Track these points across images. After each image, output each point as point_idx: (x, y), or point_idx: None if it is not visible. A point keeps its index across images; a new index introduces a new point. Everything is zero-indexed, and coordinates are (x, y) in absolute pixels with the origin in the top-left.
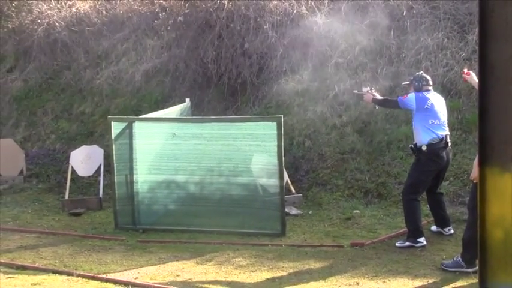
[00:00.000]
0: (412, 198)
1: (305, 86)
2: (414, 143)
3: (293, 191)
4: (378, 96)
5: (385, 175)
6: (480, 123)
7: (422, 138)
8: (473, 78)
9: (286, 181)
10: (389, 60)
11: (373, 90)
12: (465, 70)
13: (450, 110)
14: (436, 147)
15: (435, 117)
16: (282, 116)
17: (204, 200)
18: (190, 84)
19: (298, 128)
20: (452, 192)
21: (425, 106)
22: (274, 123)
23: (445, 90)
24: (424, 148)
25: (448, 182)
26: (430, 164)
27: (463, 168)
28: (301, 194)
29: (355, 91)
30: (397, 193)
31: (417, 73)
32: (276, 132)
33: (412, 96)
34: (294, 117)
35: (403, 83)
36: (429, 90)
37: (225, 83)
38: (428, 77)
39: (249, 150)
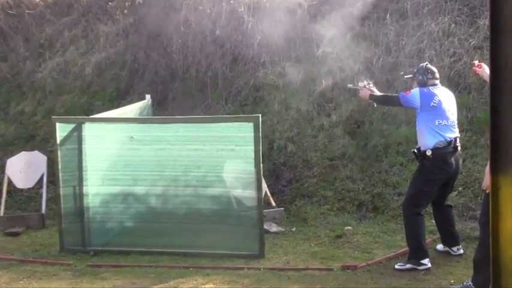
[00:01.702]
0: (414, 212)
1: (287, 80)
2: (417, 146)
3: (273, 204)
4: (377, 92)
5: (382, 185)
6: (492, 124)
7: (427, 141)
8: (486, 70)
9: (265, 192)
10: (387, 50)
11: (371, 85)
12: (476, 62)
13: (458, 107)
14: (444, 151)
15: (443, 116)
16: (260, 115)
17: (167, 215)
18: (151, 78)
19: (279, 129)
20: (461, 205)
21: (432, 104)
22: (251, 124)
23: (452, 84)
24: (428, 153)
25: (456, 192)
26: (435, 172)
27: (473, 176)
28: (282, 208)
29: (350, 85)
30: (396, 206)
31: (421, 64)
32: (252, 134)
33: (415, 92)
34: (274, 116)
35: (405, 76)
36: (436, 85)
37: (192, 77)
38: (435, 69)
39: (221, 156)
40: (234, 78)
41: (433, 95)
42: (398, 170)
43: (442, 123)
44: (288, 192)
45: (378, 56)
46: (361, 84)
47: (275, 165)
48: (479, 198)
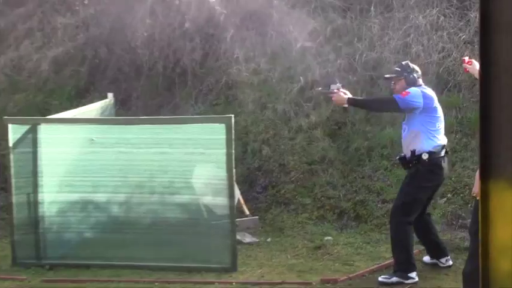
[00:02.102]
0: (404, 221)
1: (263, 77)
2: (403, 154)
3: (247, 212)
4: (349, 95)
5: (365, 191)
6: (481, 125)
7: (424, 145)
8: (476, 67)
9: (238, 200)
10: (370, 44)
11: (341, 89)
12: (466, 58)
13: (447, 107)
14: (439, 156)
15: (441, 120)
16: (233, 115)
17: (131, 225)
18: (114, 75)
19: (253, 131)
20: (450, 213)
21: (434, 105)
22: (223, 126)
23: (441, 82)
24: (425, 157)
25: (445, 199)
26: (430, 178)
27: (463, 181)
28: (257, 217)
29: (320, 89)
30: (380, 214)
31: (403, 62)
32: (224, 136)
33: (416, 92)
34: (249, 117)
35: (386, 75)
36: (422, 85)
37: (159, 74)
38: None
39: (190, 161)
40: (205, 75)
41: (433, 96)
42: (382, 175)
43: (439, 127)
44: (263, 199)
45: (360, 51)
46: (333, 86)
47: (249, 170)
48: (469, 205)
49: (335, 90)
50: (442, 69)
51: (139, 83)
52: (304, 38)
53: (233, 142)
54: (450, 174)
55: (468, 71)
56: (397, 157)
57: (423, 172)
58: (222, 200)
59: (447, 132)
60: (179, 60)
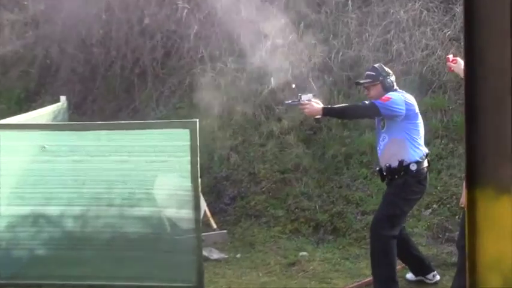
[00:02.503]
0: (388, 234)
1: (230, 79)
2: (387, 164)
3: (214, 226)
4: (321, 105)
5: (343, 202)
6: (467, 130)
7: (410, 154)
8: (462, 66)
9: (204, 212)
10: (347, 42)
11: (312, 100)
12: (450, 56)
13: (432, 109)
14: (424, 166)
15: (422, 127)
16: (198, 120)
17: (87, 241)
18: (67, 76)
19: (220, 137)
20: (436, 225)
21: (416, 111)
22: (187, 131)
23: (425, 83)
24: (413, 167)
25: (430, 210)
26: (417, 190)
27: (450, 190)
28: (225, 231)
29: (289, 102)
30: (360, 227)
31: (376, 65)
32: (189, 143)
33: (398, 97)
34: (215, 122)
35: (359, 81)
36: (398, 90)
37: (116, 74)
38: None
39: (151, 170)
40: (167, 76)
41: (413, 101)
42: (362, 184)
43: (422, 135)
44: (231, 211)
45: (337, 49)
46: (305, 97)
47: (216, 179)
48: (457, 217)
49: (306, 102)
50: (425, 68)
51: (95, 85)
52: (275, 35)
53: (198, 149)
54: (435, 183)
55: (453, 70)
56: (377, 168)
57: (411, 183)
58: (186, 213)
59: (432, 137)
60: (138, 59)
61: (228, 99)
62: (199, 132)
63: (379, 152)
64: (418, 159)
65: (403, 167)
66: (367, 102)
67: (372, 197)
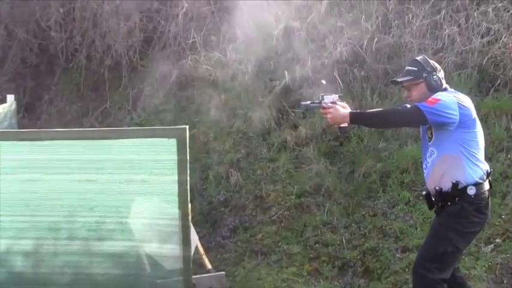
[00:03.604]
0: (436, 278)
1: (230, 72)
2: (437, 187)
3: (209, 266)
4: (348, 109)
5: (378, 235)
6: None
7: (468, 174)
8: None
9: (196, 248)
10: (385, 25)
11: (340, 100)
12: None
13: (496, 114)
14: (485, 189)
15: (482, 138)
16: (188, 127)
17: (41, 285)
18: (16, 69)
19: (217, 149)
20: (499, 266)
21: (473, 117)
22: (173, 141)
23: (486, 79)
24: (471, 191)
25: (491, 246)
26: (476, 221)
27: None
28: (223, 272)
29: (308, 103)
30: (399, 268)
31: (419, 58)
32: (175, 157)
33: (449, 99)
34: (210, 129)
35: (397, 79)
36: (448, 90)
37: (81, 67)
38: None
39: (126, 192)
40: (147, 69)
41: (469, 103)
42: (402, 212)
43: (482, 147)
44: (231, 247)
45: (370, 33)
46: (328, 99)
47: (211, 205)
48: None
49: (329, 104)
50: (486, 59)
51: (53, 81)
52: (290, 16)
53: (188, 165)
54: (500, 210)
55: None
56: (423, 192)
57: (469, 212)
58: (172, 249)
59: (495, 150)
60: (110, 47)
61: (228, 100)
62: (189, 143)
63: (425, 171)
64: (478, 180)
65: (458, 190)
66: (408, 105)
67: (416, 229)
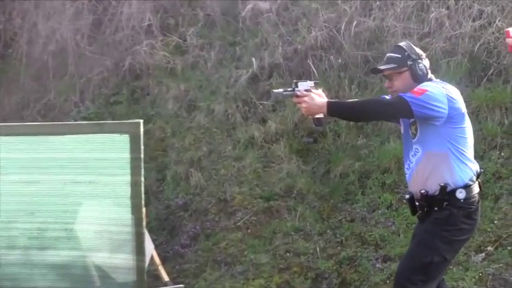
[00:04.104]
0: None
1: (191, 59)
2: (422, 190)
3: (166, 278)
4: (325, 98)
5: (356, 242)
6: None
7: (457, 175)
8: None
9: (152, 258)
10: (365, 6)
11: (315, 87)
12: (510, 29)
13: (488, 106)
14: (476, 192)
15: (471, 135)
16: (142, 121)
17: None
18: None
19: (176, 146)
20: (491, 276)
21: (463, 111)
22: (126, 137)
23: (478, 68)
24: (460, 195)
25: (483, 255)
26: (465, 228)
27: None
28: (182, 285)
29: (279, 91)
30: (380, 279)
31: (402, 44)
32: (128, 155)
33: (437, 90)
34: (168, 124)
35: (380, 67)
36: (433, 79)
37: (20, 53)
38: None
39: (72, 195)
40: (97, 56)
41: (458, 95)
42: (384, 216)
43: (471, 145)
44: (191, 256)
45: (348, 16)
46: (302, 86)
47: (169, 209)
48: None
49: (304, 92)
50: (478, 46)
51: None
52: None
53: (142, 164)
54: (492, 214)
55: None
56: (407, 196)
57: (458, 218)
58: (124, 259)
59: (487, 147)
60: (54, 31)
61: (187, 90)
62: (144, 140)
63: (408, 172)
64: (468, 181)
65: (446, 194)
66: (387, 97)
67: (399, 236)
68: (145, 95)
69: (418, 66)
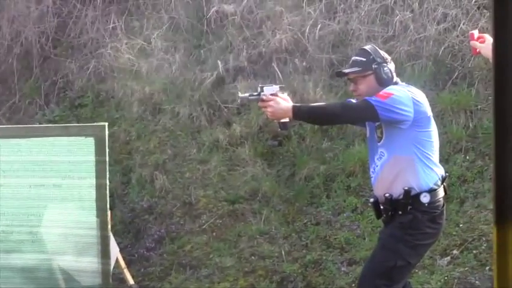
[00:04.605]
0: None
1: (156, 62)
2: (386, 194)
3: (130, 281)
4: (290, 102)
5: (322, 246)
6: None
7: (422, 179)
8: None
9: (116, 261)
10: (329, 9)
11: (281, 92)
12: (475, 32)
13: (453, 109)
14: (440, 196)
15: (436, 139)
16: (107, 124)
17: None
18: None
19: (141, 149)
20: (457, 280)
21: (428, 114)
22: (91, 140)
23: (442, 71)
24: (425, 199)
25: (448, 258)
26: (430, 232)
27: (478, 229)
28: None
29: (245, 95)
30: (345, 283)
31: (368, 47)
32: (93, 158)
33: (402, 93)
34: (133, 126)
35: (344, 70)
36: (399, 83)
37: None
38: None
39: (36, 197)
40: (61, 59)
41: (423, 98)
42: (349, 219)
43: (436, 150)
44: (156, 259)
45: (313, 19)
46: (268, 90)
47: (134, 212)
48: (487, 267)
49: (269, 97)
50: (443, 49)
51: None
52: None
53: (107, 167)
54: (457, 217)
55: (480, 53)
56: (371, 200)
57: (422, 222)
58: (90, 262)
59: (452, 151)
60: (19, 33)
61: (152, 93)
62: (109, 142)
63: (373, 176)
64: (433, 186)
65: (410, 198)
66: (353, 100)
67: (364, 239)
68: (110, 97)
69: (383, 70)
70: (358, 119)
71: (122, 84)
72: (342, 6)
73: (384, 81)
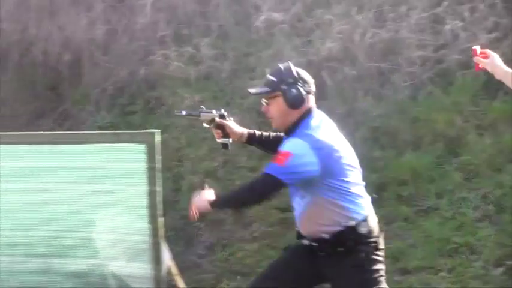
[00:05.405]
0: None
1: (206, 69)
2: (320, 235)
3: (182, 287)
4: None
5: None
6: None
7: (351, 210)
8: (497, 62)
9: (168, 268)
10: (379, 18)
11: (229, 119)
12: (478, 48)
13: (504, 120)
14: (374, 220)
15: (354, 164)
16: (159, 131)
17: None
18: None
19: (191, 156)
20: None
21: (337, 148)
22: (142, 147)
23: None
24: (364, 229)
25: (503, 268)
26: (379, 259)
27: None
28: None
29: (181, 113)
30: None
31: (282, 66)
32: (145, 164)
33: (301, 148)
34: (183, 134)
35: (252, 90)
36: (312, 109)
37: (36, 63)
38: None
39: (88, 204)
40: (112, 66)
41: (328, 131)
42: (401, 228)
43: (358, 179)
44: (208, 267)
45: (362, 28)
46: (204, 115)
47: (185, 219)
48: None
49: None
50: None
51: (6, 78)
52: (272, 7)
53: (159, 174)
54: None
55: (482, 68)
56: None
57: (370, 253)
58: (141, 268)
59: (505, 160)
60: (69, 40)
61: (203, 101)
62: (160, 149)
63: (298, 217)
64: (363, 213)
65: (349, 231)
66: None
67: (416, 248)
68: (160, 105)
69: (291, 92)
70: (269, 195)
71: (172, 91)
72: (392, 14)
73: (292, 104)
